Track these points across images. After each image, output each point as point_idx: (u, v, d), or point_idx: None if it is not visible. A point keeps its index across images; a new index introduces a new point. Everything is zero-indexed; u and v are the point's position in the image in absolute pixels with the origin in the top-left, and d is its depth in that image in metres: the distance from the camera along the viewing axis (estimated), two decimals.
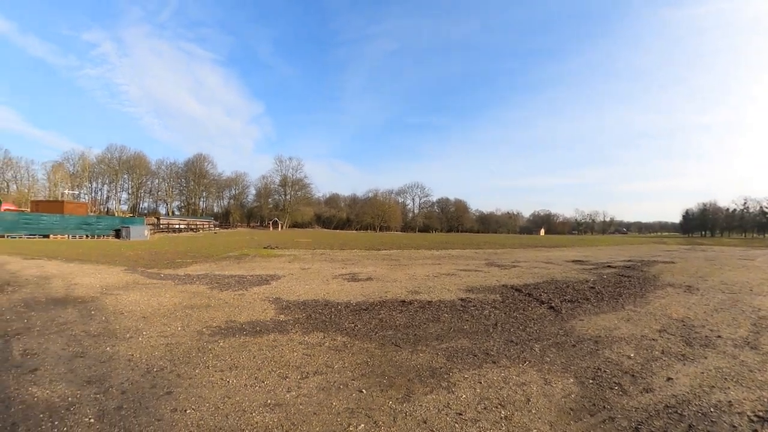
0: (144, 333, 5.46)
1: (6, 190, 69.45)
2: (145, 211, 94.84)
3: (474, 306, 7.24)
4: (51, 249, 19.54)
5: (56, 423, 3.03)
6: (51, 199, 60.45)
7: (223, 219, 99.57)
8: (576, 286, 9.94)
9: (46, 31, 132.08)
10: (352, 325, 5.87)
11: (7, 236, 27.24)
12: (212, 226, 71.82)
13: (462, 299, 7.90)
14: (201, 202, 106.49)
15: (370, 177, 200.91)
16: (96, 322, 5.97)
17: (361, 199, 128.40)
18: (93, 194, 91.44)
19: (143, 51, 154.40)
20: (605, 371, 4.14)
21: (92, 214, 52.14)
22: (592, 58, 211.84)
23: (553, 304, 7.40)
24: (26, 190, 70.92)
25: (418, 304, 7.29)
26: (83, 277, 10.42)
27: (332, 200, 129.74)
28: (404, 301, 7.63)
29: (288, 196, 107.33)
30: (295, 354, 4.59)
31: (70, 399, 3.43)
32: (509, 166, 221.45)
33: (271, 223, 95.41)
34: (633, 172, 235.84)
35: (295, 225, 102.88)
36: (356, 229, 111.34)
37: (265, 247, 23.74)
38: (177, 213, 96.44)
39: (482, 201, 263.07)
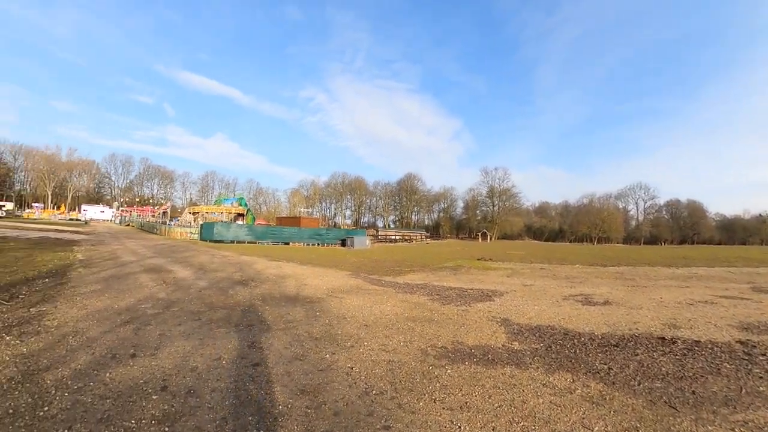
0: (365, 343, 5.39)
1: (259, 210, 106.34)
2: (365, 224, 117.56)
3: (762, 354, 5.60)
4: (289, 254, 24.06)
5: (261, 431, 2.99)
6: (291, 216, 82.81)
7: (434, 231, 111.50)
8: None
9: (274, 97, 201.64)
10: (605, 366, 4.87)
11: (258, 242, 36.86)
12: (424, 237, 79.57)
13: (741, 342, 6.18)
14: (413, 216, 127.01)
15: (582, 181, 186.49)
16: (320, 324, 6.35)
17: (574, 207, 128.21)
18: (323, 211, 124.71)
19: (349, 94, 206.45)
20: None
21: (322, 227, 64.89)
22: None
23: None
24: (273, 210, 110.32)
25: (682, 345, 5.98)
26: (313, 279, 11.99)
27: (542, 209, 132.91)
28: (663, 338, 6.31)
29: (496, 207, 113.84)
30: (541, 401, 3.79)
31: (280, 407, 3.39)
32: (758, 152, 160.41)
33: (480, 234, 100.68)
34: None
35: (503, 236, 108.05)
36: (570, 241, 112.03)
37: (478, 259, 23.55)
38: (392, 225, 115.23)
39: (723, 201, 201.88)
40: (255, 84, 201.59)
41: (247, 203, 72.44)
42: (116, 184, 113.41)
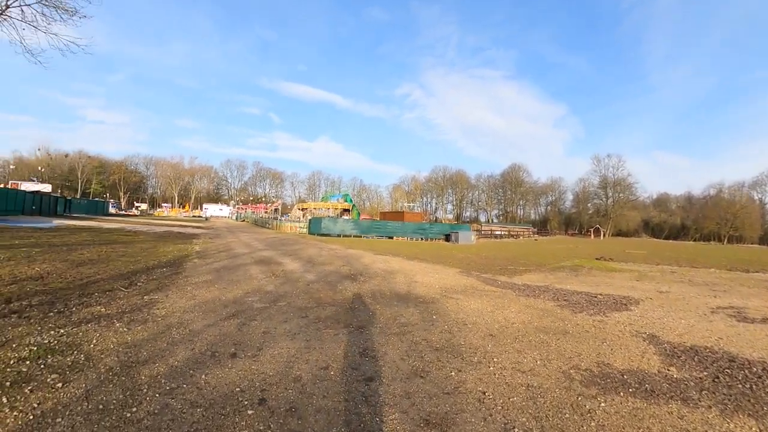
0: (495, 360, 4.52)
1: (363, 205, 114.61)
2: (467, 219, 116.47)
3: None
4: (394, 248, 23.92)
5: None
6: (394, 210, 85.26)
7: (541, 226, 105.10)
8: None
9: (371, 97, 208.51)
10: None
11: (363, 236, 37.81)
12: (531, 233, 76.01)
13: None
14: (519, 210, 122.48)
15: (707, 168, 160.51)
16: (438, 331, 5.62)
17: (699, 199, 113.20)
18: (424, 206, 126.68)
19: (444, 88, 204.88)
20: None
21: (425, 221, 64.76)
22: None
23: None
24: (376, 205, 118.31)
25: None
26: (422, 276, 11.33)
27: (661, 202, 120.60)
28: None
29: (609, 200, 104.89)
30: None
31: None
32: None
33: (592, 230, 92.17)
34: None
35: (618, 233, 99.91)
36: (694, 239, 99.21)
37: (596, 258, 21.53)
38: (495, 220, 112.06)
39: None
40: (352, 87, 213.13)
41: (352, 199, 75.91)
42: (232, 186, 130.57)
